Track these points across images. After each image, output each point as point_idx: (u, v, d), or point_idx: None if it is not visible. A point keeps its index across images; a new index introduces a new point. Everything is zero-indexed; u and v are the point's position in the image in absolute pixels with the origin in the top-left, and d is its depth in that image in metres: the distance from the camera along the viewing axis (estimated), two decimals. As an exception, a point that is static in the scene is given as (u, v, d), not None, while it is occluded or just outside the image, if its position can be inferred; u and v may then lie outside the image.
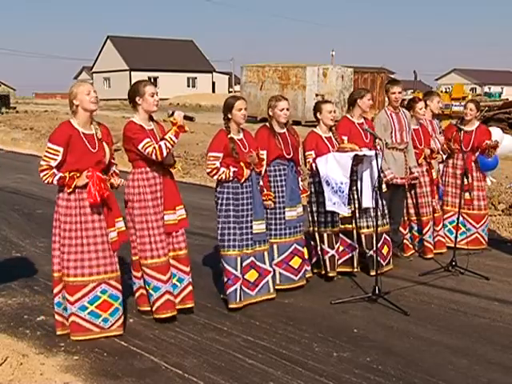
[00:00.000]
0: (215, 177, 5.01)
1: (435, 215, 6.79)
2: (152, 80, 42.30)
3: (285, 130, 5.55)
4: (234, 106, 5.00)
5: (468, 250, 6.79)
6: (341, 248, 5.96)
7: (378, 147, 5.61)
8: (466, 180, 6.62)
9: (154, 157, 4.51)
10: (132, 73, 54.54)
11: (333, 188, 5.40)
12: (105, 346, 4.36)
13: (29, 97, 67.40)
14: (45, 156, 4.27)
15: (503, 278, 6.13)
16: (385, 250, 6.13)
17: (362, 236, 5.99)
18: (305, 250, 5.70)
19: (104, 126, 4.55)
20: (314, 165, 5.60)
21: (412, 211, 6.76)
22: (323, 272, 5.90)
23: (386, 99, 6.71)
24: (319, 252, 5.88)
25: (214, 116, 22.26)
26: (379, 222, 5.98)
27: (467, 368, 4.10)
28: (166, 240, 4.74)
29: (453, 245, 6.67)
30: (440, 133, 7.05)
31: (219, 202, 5.07)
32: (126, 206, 4.73)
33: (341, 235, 5.95)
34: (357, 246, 6.04)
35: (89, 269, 4.36)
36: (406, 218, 6.79)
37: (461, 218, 6.91)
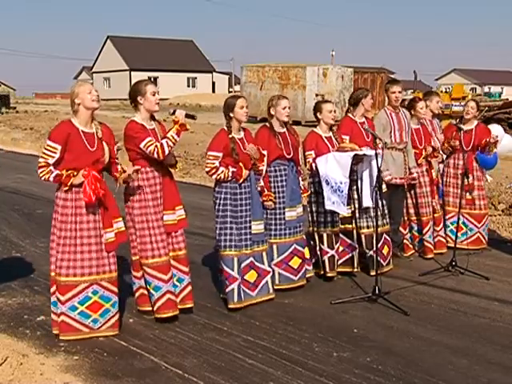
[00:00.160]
0: (214, 176, 5.02)
1: (435, 215, 6.79)
2: (152, 80, 42.24)
3: (285, 129, 5.56)
4: (235, 104, 5.01)
5: (468, 250, 6.80)
6: (341, 248, 5.96)
7: (380, 146, 5.61)
8: (466, 180, 6.62)
9: (155, 155, 4.51)
10: (132, 73, 54.55)
11: (332, 187, 5.40)
12: (105, 346, 4.36)
13: (29, 97, 67.43)
14: (43, 153, 4.30)
15: (503, 278, 6.13)
16: (385, 250, 6.13)
17: (362, 236, 5.99)
18: (306, 250, 5.70)
19: (106, 125, 4.55)
20: (313, 165, 5.60)
21: (412, 211, 6.76)
22: (322, 272, 5.90)
23: (386, 99, 6.71)
24: (318, 252, 5.88)
25: (214, 116, 22.29)
26: (379, 222, 5.98)
27: (467, 368, 4.10)
28: (167, 240, 4.74)
29: (458, 246, 6.69)
30: (441, 133, 7.05)
31: (217, 201, 5.08)
32: (126, 205, 4.73)
33: (341, 235, 5.95)
34: (357, 246, 6.04)
35: (81, 269, 4.37)
36: (405, 218, 6.79)
37: (463, 219, 6.94)
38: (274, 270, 5.44)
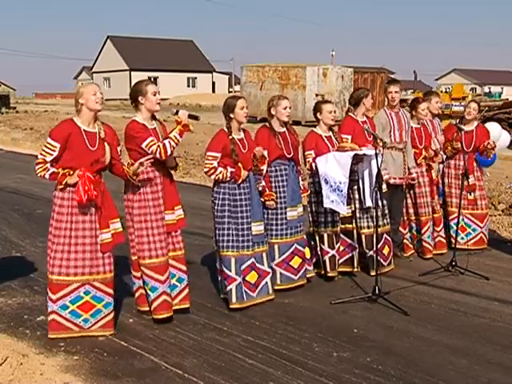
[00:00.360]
0: (212, 176, 5.03)
1: (435, 216, 6.79)
2: (152, 80, 42.25)
3: (285, 129, 5.56)
4: (236, 105, 5.01)
5: (468, 249, 6.80)
6: (341, 248, 5.95)
7: (381, 144, 5.61)
8: (466, 181, 6.63)
9: (157, 155, 4.51)
10: (132, 73, 54.54)
11: (331, 186, 5.40)
12: (105, 346, 4.36)
13: (29, 97, 67.41)
14: (42, 150, 4.33)
15: (503, 277, 6.13)
16: (386, 250, 6.13)
17: (363, 236, 5.99)
18: (306, 250, 5.70)
19: (109, 126, 4.55)
20: (313, 164, 5.60)
21: (411, 211, 6.76)
22: (323, 272, 5.90)
23: (386, 99, 6.71)
24: (319, 252, 5.88)
25: (214, 116, 22.25)
26: (380, 223, 6.00)
27: (467, 368, 4.10)
28: (166, 240, 4.74)
29: (461, 246, 6.71)
30: (441, 133, 7.04)
31: (216, 202, 5.08)
32: (126, 205, 4.73)
33: (341, 235, 5.95)
34: (357, 245, 6.04)
35: (74, 269, 4.37)
36: (405, 218, 6.79)
37: (466, 219, 6.95)
38: (275, 270, 5.44)
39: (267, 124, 5.57)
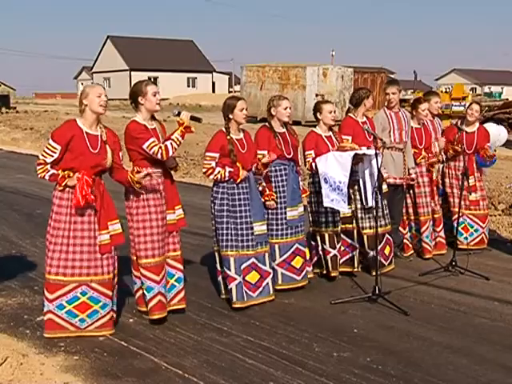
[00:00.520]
0: (211, 176, 5.04)
1: (435, 216, 6.78)
2: (152, 80, 42.25)
3: (285, 129, 5.56)
4: (235, 106, 5.01)
5: (468, 249, 6.79)
6: (341, 248, 5.95)
7: (379, 145, 5.61)
8: (466, 181, 6.63)
9: (159, 156, 4.51)
10: (132, 73, 54.52)
11: (331, 186, 5.40)
12: (105, 346, 4.36)
13: (29, 97, 67.46)
14: (43, 151, 4.35)
15: (503, 277, 6.13)
16: (387, 250, 6.14)
17: (365, 236, 5.99)
18: (306, 250, 5.70)
19: (111, 130, 4.54)
20: (313, 164, 5.60)
21: (411, 210, 6.76)
22: (325, 272, 5.90)
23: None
24: (320, 252, 5.88)
25: (214, 116, 22.26)
26: (382, 223, 6.02)
27: (467, 368, 4.10)
28: (165, 241, 4.74)
29: (463, 246, 6.70)
30: (442, 135, 7.03)
31: (215, 201, 5.09)
32: (127, 205, 4.73)
33: (342, 235, 5.95)
34: (357, 245, 6.04)
35: (71, 269, 4.38)
36: (405, 218, 6.79)
37: (469, 220, 6.95)
38: (276, 270, 5.44)
39: (267, 124, 5.56)
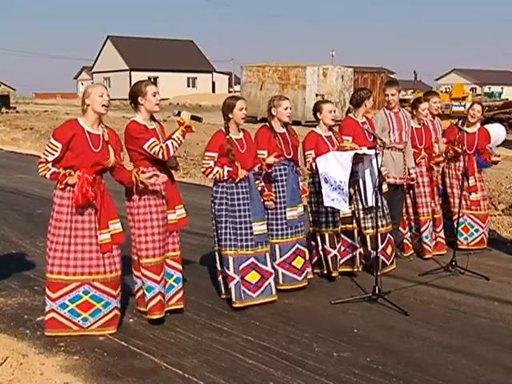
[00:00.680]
0: (209, 176, 5.05)
1: (435, 216, 6.78)
2: (152, 80, 42.28)
3: (285, 129, 5.56)
4: (235, 105, 5.02)
5: (468, 249, 6.80)
6: (342, 248, 5.95)
7: (379, 144, 5.62)
8: (466, 181, 6.63)
9: (160, 156, 4.51)
10: (132, 73, 54.54)
11: (331, 185, 5.40)
12: (105, 346, 4.36)
13: (29, 97, 67.41)
14: (45, 150, 4.37)
15: (503, 277, 6.13)
16: (389, 250, 6.15)
17: (367, 237, 5.99)
18: (306, 251, 5.70)
19: (113, 131, 4.55)
20: (313, 164, 5.60)
21: (411, 210, 6.76)
22: (325, 272, 5.90)
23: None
24: (321, 252, 5.88)
25: (214, 116, 22.25)
26: (383, 222, 6.03)
27: (467, 368, 4.10)
28: (165, 240, 4.74)
29: (465, 247, 6.69)
30: (442, 135, 7.03)
31: (214, 201, 5.10)
32: (128, 205, 4.73)
33: (342, 235, 5.95)
34: (358, 245, 6.05)
35: (73, 268, 4.38)
36: (405, 218, 6.79)
37: (469, 220, 6.96)
38: (277, 271, 5.44)
39: (267, 124, 5.56)
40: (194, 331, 4.65)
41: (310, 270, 5.78)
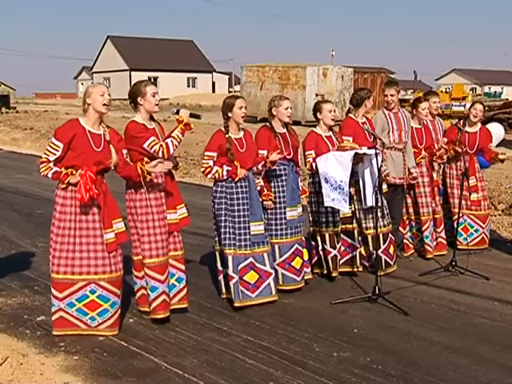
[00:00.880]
0: (209, 176, 5.06)
1: (436, 216, 6.77)
2: (152, 80, 42.29)
3: (285, 130, 5.56)
4: (234, 104, 5.02)
5: (468, 249, 6.79)
6: (342, 248, 5.95)
7: (378, 145, 5.61)
8: (466, 181, 6.63)
9: (160, 154, 4.51)
10: (132, 73, 54.54)
11: (332, 185, 5.40)
12: (105, 346, 4.36)
13: (29, 97, 67.45)
14: (46, 149, 4.37)
15: (503, 277, 6.13)
16: (391, 250, 6.15)
17: (369, 237, 5.98)
18: (305, 251, 5.70)
19: (114, 130, 4.55)
20: (314, 164, 5.60)
21: (411, 210, 6.75)
22: (325, 272, 5.90)
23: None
24: (321, 252, 5.88)
25: (214, 116, 22.23)
26: (385, 222, 6.04)
27: (467, 368, 4.10)
28: (167, 240, 4.74)
29: (463, 247, 6.69)
30: (443, 135, 7.02)
31: (214, 200, 5.11)
32: (128, 205, 4.73)
33: (342, 235, 5.95)
34: (358, 246, 6.04)
35: (79, 268, 4.38)
36: (405, 218, 6.78)
37: (469, 220, 6.96)
38: (276, 271, 5.43)
39: (268, 124, 5.56)
40: (194, 331, 4.65)
41: (308, 270, 5.77)
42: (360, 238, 6.07)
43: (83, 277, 4.40)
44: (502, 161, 6.92)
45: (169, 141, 4.55)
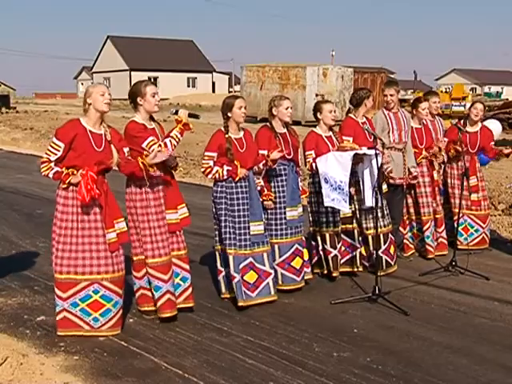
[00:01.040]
0: (209, 176, 5.07)
1: (437, 216, 6.76)
2: (152, 80, 42.28)
3: (285, 129, 5.56)
4: (234, 104, 5.02)
5: (469, 249, 6.79)
6: (342, 248, 5.95)
7: (379, 144, 5.62)
8: (466, 181, 6.63)
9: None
10: (132, 73, 54.56)
11: (332, 186, 5.40)
12: (105, 346, 4.36)
13: (29, 97, 67.46)
14: (47, 149, 4.37)
15: (503, 277, 6.13)
16: (392, 250, 6.15)
17: (370, 237, 5.98)
18: (305, 251, 5.70)
19: (115, 130, 4.55)
20: (314, 164, 5.60)
21: (412, 210, 6.75)
22: (326, 272, 5.90)
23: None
24: (321, 252, 5.87)
25: (214, 116, 22.24)
26: (385, 222, 6.04)
27: (467, 368, 4.10)
28: (169, 239, 4.74)
29: (465, 247, 6.69)
30: (443, 135, 7.02)
31: (215, 200, 5.11)
32: (128, 205, 4.73)
33: (342, 235, 5.95)
34: (358, 246, 6.04)
35: (82, 268, 4.38)
36: (405, 218, 6.78)
37: (469, 220, 6.95)
38: (276, 271, 5.43)
39: (268, 124, 5.56)
40: (194, 331, 4.65)
41: (308, 270, 5.77)
42: (360, 238, 6.07)
43: (86, 277, 4.39)
44: (508, 155, 6.90)
45: (167, 140, 4.56)
